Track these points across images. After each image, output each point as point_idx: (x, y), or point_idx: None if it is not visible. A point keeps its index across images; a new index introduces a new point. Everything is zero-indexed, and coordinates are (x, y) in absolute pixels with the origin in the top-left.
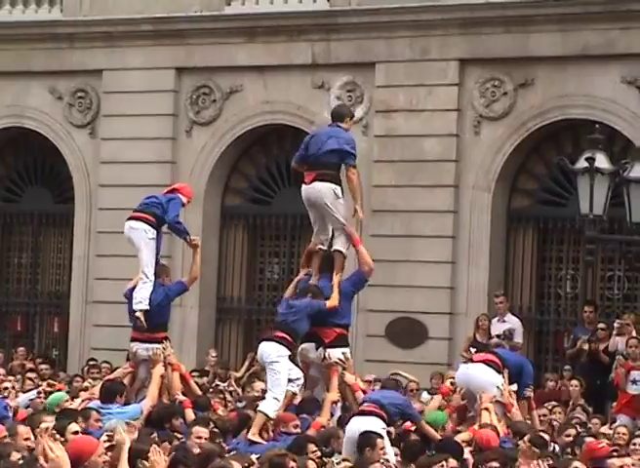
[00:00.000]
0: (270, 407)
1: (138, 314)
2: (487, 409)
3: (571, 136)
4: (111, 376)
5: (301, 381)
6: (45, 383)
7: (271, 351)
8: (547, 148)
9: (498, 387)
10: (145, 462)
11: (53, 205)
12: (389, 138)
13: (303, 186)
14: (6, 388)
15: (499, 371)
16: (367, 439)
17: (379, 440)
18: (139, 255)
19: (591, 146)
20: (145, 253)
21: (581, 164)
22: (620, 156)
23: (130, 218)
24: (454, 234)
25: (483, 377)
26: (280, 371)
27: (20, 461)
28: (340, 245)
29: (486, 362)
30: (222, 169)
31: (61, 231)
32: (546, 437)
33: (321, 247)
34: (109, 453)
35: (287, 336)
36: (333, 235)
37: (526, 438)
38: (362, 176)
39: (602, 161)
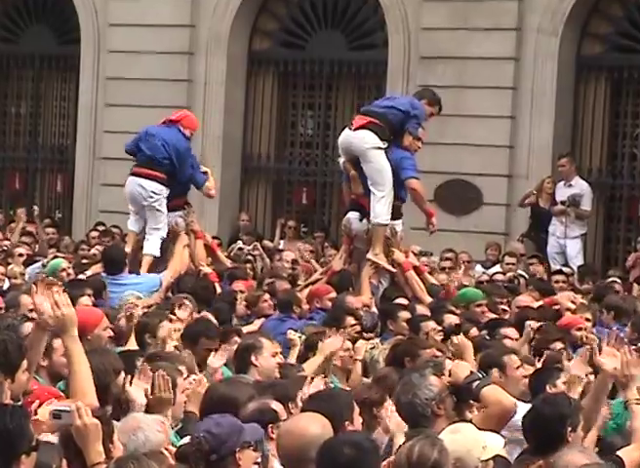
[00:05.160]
0: None
1: None
2: None
3: None
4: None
5: None
6: (51, 255)
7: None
8: None
9: None
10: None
11: (56, 46)
12: None
13: (345, 131)
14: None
15: None
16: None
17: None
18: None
19: None
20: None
21: None
22: None
23: (135, 175)
24: (514, 85)
25: None
26: None
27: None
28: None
29: None
30: (250, 7)
31: (66, 77)
32: None
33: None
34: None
35: None
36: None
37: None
38: (410, 18)
39: None
